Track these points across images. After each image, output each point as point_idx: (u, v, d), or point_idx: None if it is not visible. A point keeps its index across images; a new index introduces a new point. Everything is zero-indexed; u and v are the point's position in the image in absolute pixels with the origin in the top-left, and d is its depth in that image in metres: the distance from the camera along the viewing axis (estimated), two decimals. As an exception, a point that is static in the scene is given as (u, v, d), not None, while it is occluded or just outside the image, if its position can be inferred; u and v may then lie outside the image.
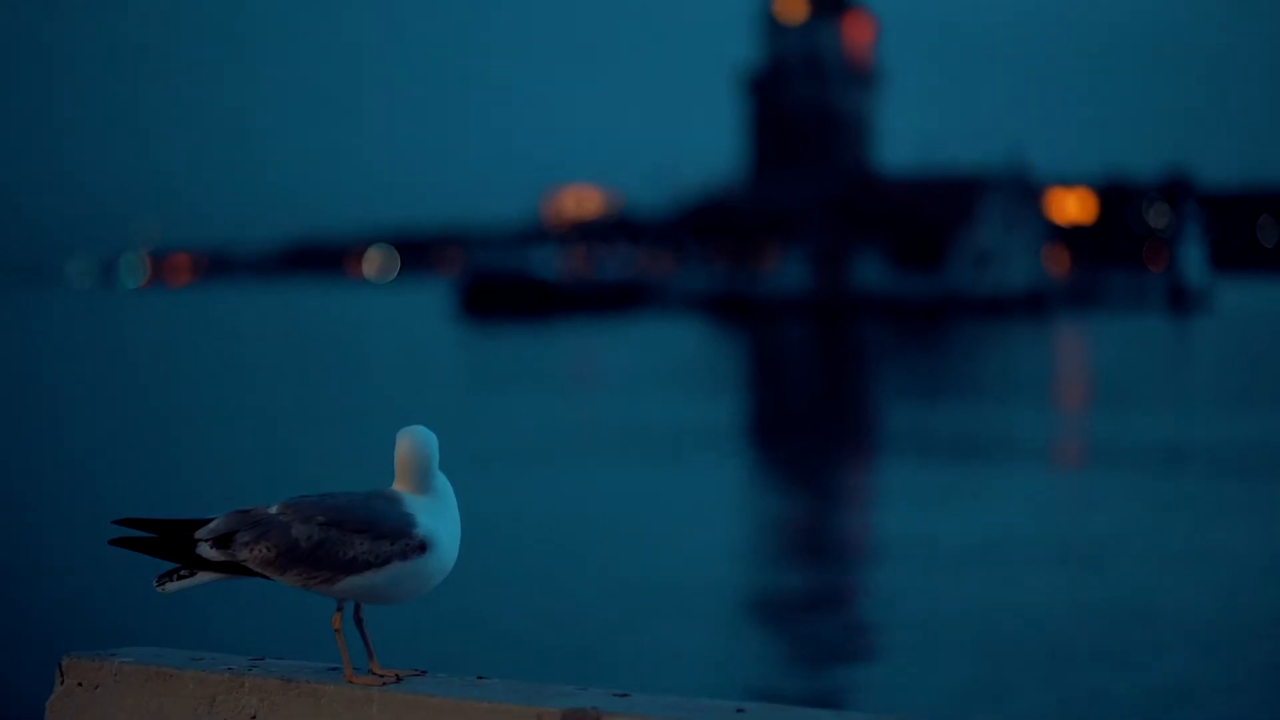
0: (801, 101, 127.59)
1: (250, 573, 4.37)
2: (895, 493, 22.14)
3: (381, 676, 4.22)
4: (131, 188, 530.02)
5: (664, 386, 47.14)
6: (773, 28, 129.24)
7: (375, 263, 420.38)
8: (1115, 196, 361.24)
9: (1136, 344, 71.70)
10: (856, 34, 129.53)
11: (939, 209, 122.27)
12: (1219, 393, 42.52)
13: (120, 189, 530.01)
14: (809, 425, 33.43)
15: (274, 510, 4.37)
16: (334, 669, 4.24)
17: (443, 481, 4.40)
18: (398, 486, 4.38)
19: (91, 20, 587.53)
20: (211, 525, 4.38)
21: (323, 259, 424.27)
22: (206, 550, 4.39)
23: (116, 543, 4.36)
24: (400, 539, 4.32)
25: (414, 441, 4.34)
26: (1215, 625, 13.41)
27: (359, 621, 4.37)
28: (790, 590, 14.62)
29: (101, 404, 44.50)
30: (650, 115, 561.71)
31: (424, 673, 4.30)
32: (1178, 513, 20.34)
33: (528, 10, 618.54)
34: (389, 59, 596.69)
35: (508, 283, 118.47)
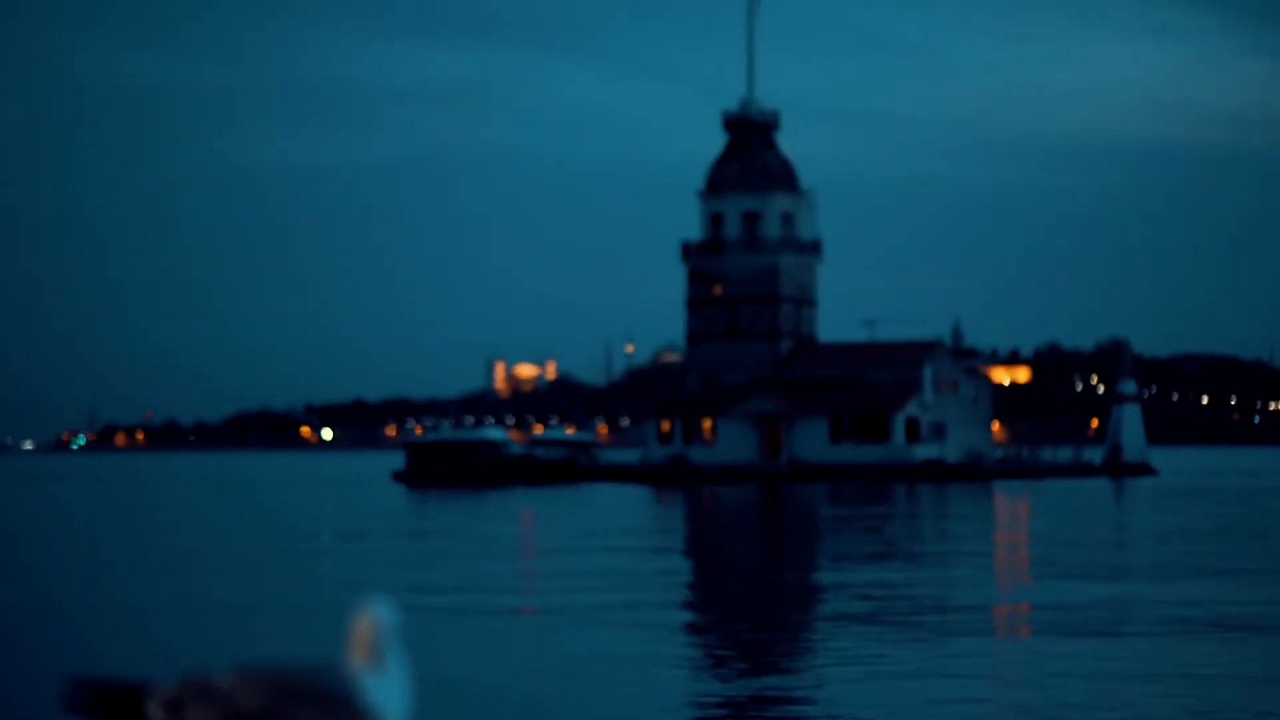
0: (743, 272, 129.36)
1: None
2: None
3: None
4: (83, 366, 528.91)
5: (608, 552, 47.85)
6: (715, 199, 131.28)
7: (322, 431, 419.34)
8: (1053, 366, 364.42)
9: (1075, 511, 72.70)
10: (797, 206, 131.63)
11: (879, 379, 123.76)
12: (1155, 566, 43.44)
13: (72, 368, 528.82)
14: (752, 601, 34.14)
15: (223, 677, 4.33)
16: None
17: (397, 655, 4.38)
18: (352, 656, 4.36)
19: (43, 195, 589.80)
20: (160, 690, 4.35)
21: (270, 427, 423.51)
22: (156, 714, 4.34)
23: (66, 706, 4.33)
24: (347, 711, 4.26)
25: (369, 614, 4.33)
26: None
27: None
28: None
29: (48, 561, 44.82)
30: (594, 287, 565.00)
31: None
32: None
33: (475, 183, 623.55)
34: (333, 236, 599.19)
35: (453, 451, 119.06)
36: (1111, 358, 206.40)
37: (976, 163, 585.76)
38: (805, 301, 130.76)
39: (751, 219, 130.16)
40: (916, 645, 25.20)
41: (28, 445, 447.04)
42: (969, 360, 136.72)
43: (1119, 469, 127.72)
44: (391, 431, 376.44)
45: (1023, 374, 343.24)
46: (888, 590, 34.58)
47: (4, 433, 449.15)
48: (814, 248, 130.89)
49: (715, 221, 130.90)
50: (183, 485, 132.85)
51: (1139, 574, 39.21)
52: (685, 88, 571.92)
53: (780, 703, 19.89)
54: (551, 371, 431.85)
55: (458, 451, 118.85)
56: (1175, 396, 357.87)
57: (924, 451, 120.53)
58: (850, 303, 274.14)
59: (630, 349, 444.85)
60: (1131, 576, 38.51)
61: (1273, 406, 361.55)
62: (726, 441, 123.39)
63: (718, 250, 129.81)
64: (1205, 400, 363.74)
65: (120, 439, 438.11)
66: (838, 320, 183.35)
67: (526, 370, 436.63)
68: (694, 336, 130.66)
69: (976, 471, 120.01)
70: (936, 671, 22.22)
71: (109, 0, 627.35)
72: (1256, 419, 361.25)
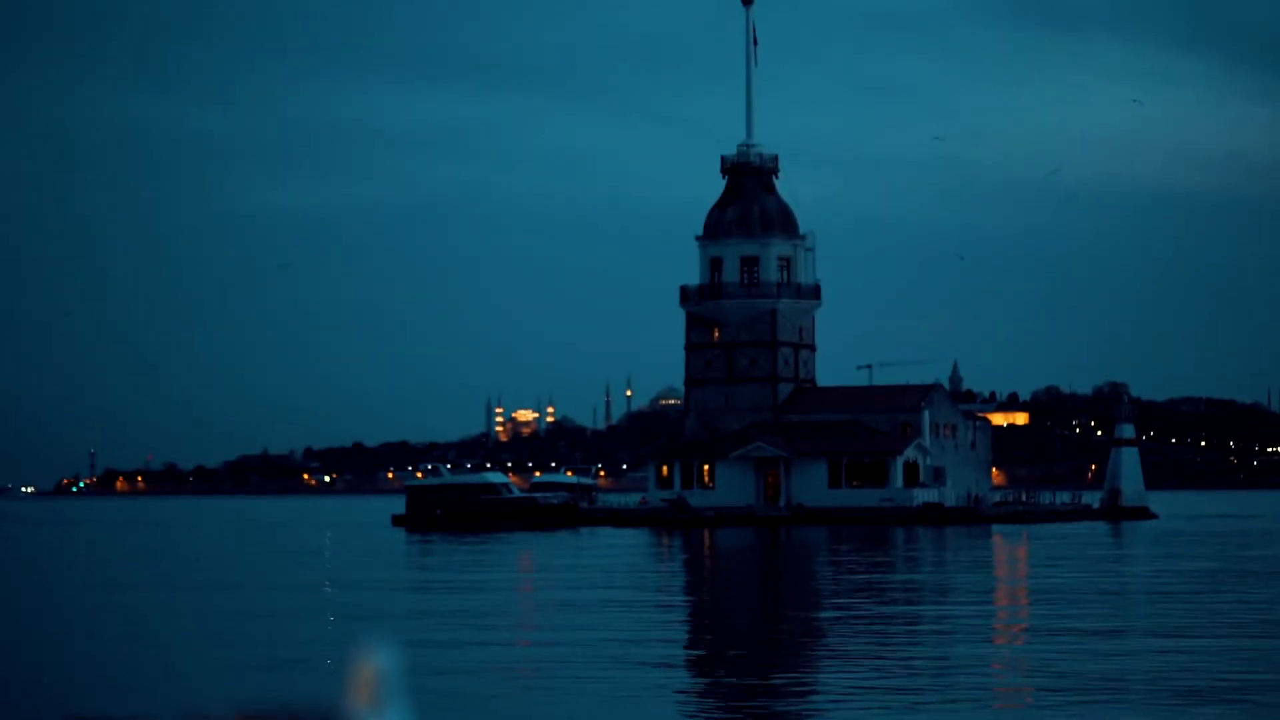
0: (741, 316, 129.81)
1: None
2: None
3: None
4: (83, 411, 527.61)
5: (607, 604, 48.07)
6: (713, 244, 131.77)
7: (323, 475, 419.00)
8: (1052, 410, 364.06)
9: (1073, 557, 72.90)
10: (795, 251, 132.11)
11: (878, 423, 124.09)
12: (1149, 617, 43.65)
13: (72, 412, 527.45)
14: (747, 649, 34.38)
15: (223, 718, 4.45)
16: None
17: (397, 699, 4.31)
18: (353, 701, 4.30)
19: (41, 240, 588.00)
20: None
21: (270, 471, 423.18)
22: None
23: None
24: None
25: (370, 659, 4.28)
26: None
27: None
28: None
29: (50, 598, 44.97)
30: (593, 331, 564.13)
31: None
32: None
33: (474, 228, 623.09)
34: (332, 281, 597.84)
35: (453, 494, 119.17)
36: (1110, 402, 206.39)
37: (975, 208, 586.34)
38: (804, 346, 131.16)
39: (750, 264, 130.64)
40: (910, 682, 25.49)
41: (28, 490, 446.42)
42: (967, 404, 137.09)
43: (1118, 513, 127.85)
44: (391, 475, 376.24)
45: (1021, 418, 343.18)
46: (882, 637, 34.87)
47: (5, 478, 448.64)
48: (812, 292, 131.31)
49: (714, 266, 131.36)
50: (184, 529, 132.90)
51: (1141, 627, 39.49)
52: (684, 133, 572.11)
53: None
54: (551, 415, 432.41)
55: (458, 495, 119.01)
56: (1173, 440, 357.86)
57: (923, 495, 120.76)
58: (849, 347, 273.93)
59: (629, 393, 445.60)
60: (1132, 631, 38.79)
61: (1270, 450, 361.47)
62: (726, 485, 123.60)
63: (716, 295, 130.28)
64: (1203, 444, 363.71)
65: (121, 483, 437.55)
66: (836, 364, 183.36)
67: (526, 414, 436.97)
68: (693, 380, 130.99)
69: (975, 515, 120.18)
70: (930, 699, 22.52)
71: (105, 45, 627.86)
72: (1254, 462, 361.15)
